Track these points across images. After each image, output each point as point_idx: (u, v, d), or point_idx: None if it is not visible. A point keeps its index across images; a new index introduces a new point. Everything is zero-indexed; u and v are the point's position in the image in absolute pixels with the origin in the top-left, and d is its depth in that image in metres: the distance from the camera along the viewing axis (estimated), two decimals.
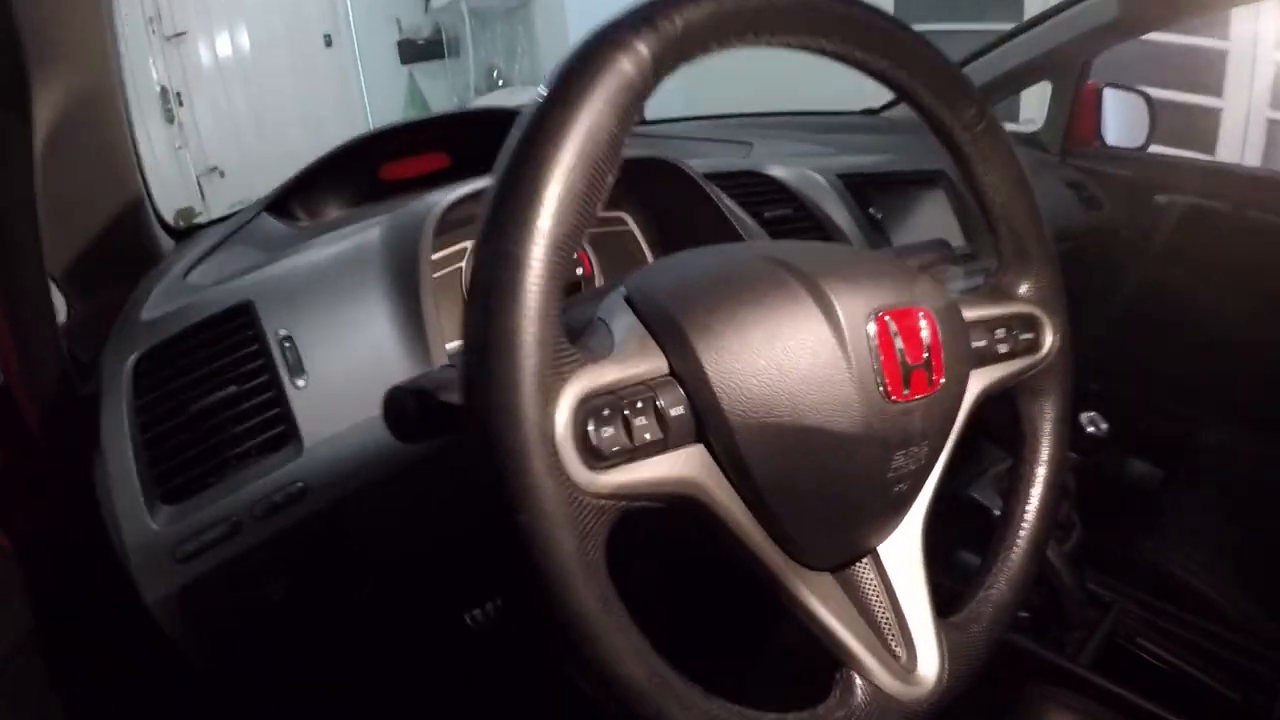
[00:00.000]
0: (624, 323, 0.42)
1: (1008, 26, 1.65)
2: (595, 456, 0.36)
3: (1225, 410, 1.53)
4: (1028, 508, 0.57)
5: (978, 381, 0.53)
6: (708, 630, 0.95)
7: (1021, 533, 0.56)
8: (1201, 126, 2.94)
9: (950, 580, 0.91)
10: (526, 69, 5.36)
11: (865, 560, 0.48)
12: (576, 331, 0.41)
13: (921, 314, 0.45)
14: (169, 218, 1.02)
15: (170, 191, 4.90)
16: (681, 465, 0.39)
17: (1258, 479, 1.30)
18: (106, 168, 0.85)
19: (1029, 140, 1.74)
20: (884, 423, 0.43)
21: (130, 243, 0.90)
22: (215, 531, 0.61)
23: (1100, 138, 1.72)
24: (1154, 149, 1.73)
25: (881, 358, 0.43)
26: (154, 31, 4.77)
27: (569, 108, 0.34)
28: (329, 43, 5.26)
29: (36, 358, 0.67)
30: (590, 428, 0.35)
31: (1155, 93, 1.74)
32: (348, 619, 0.72)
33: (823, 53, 0.45)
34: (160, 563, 0.60)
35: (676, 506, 0.40)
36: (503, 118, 0.97)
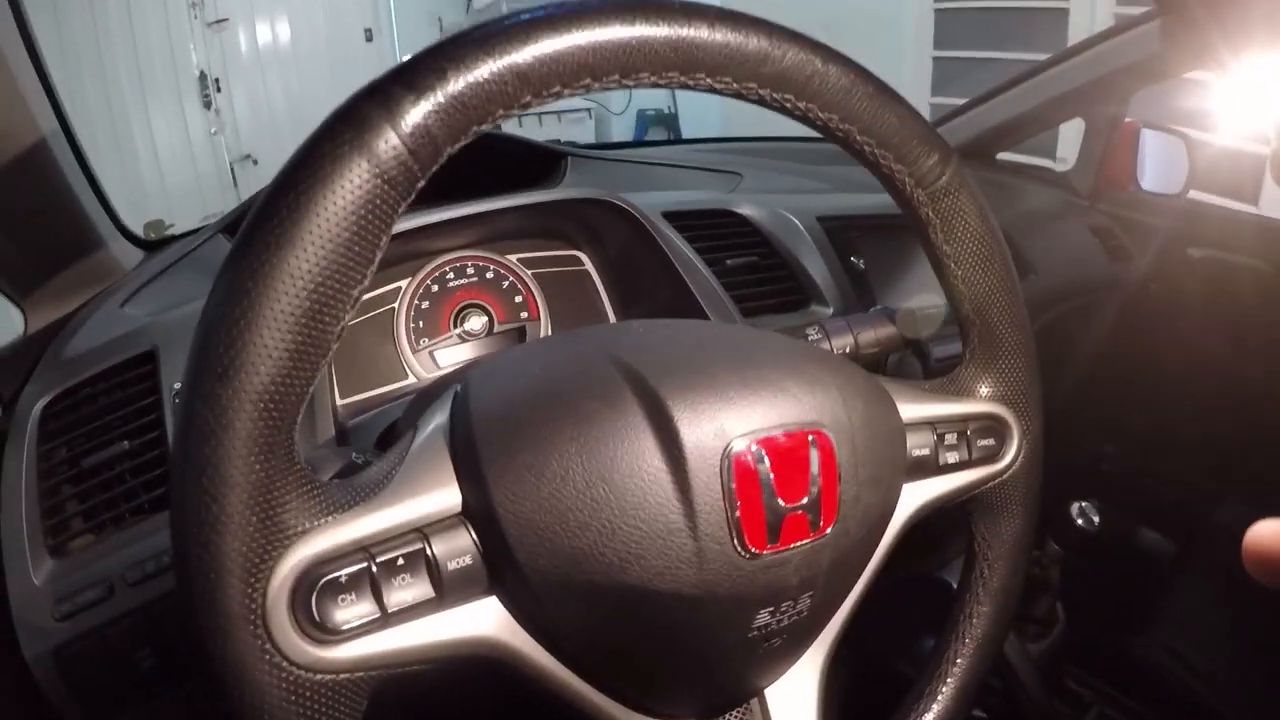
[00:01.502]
0: (425, 444, 0.35)
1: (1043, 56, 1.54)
2: (323, 630, 0.30)
3: (1252, 486, 1.41)
4: (960, 647, 0.48)
5: (915, 495, 0.45)
6: None
7: (948, 678, 0.48)
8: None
9: (913, 667, 0.83)
10: None
11: (746, 708, 0.42)
12: (402, 431, 0.38)
13: (811, 438, 0.35)
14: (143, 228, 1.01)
15: (204, 177, 4.96)
16: (468, 623, 0.33)
17: None
18: (46, 192, 0.82)
19: (1059, 181, 1.64)
20: (738, 581, 0.34)
21: (88, 258, 0.87)
22: (91, 593, 0.58)
23: (1135, 182, 1.61)
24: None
25: (739, 501, 0.33)
26: (196, 16, 4.84)
27: (284, 217, 0.27)
28: (369, 37, 5.30)
29: None
30: (316, 599, 0.30)
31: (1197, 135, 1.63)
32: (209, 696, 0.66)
33: (716, 92, 0.35)
34: (40, 619, 0.58)
35: (471, 666, 0.34)
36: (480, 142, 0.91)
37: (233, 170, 5.06)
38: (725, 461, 0.33)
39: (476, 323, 0.78)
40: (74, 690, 0.58)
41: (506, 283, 0.81)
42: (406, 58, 0.30)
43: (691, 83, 0.34)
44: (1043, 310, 1.19)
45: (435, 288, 0.78)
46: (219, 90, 4.97)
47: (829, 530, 0.35)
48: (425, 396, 0.56)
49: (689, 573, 0.33)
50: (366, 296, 0.74)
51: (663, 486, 0.33)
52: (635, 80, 0.33)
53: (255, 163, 5.11)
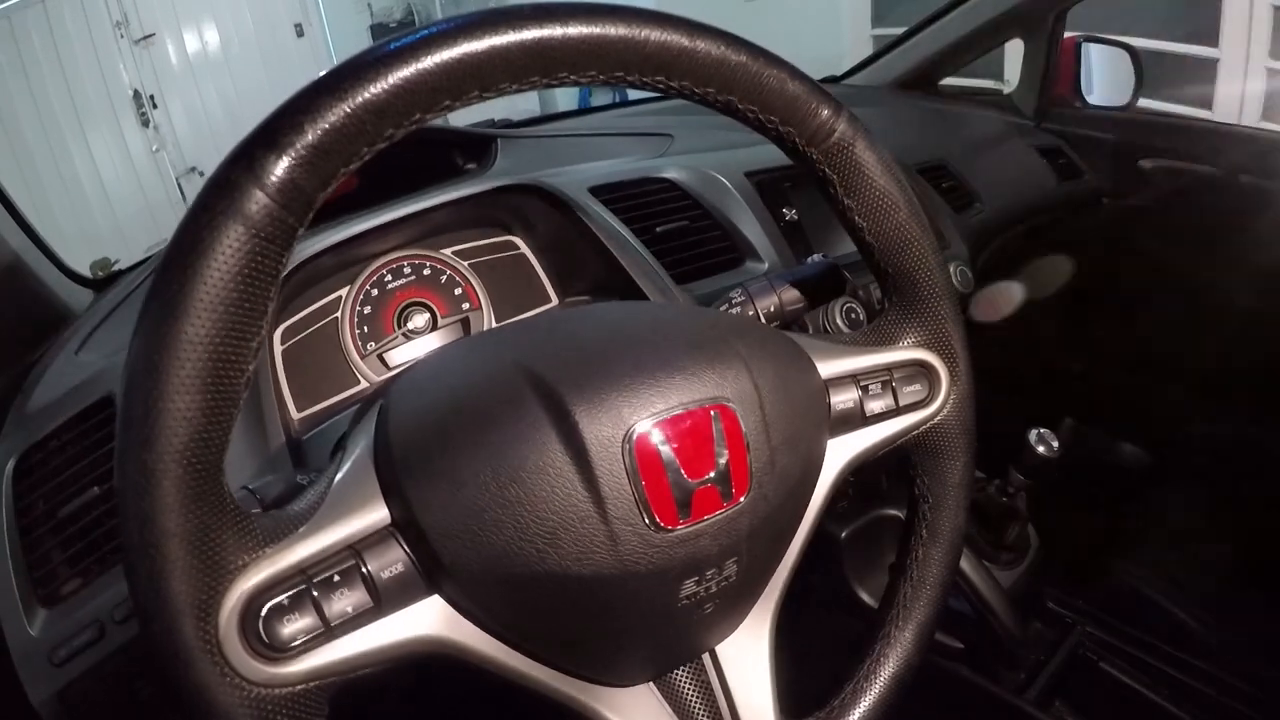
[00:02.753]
0: (354, 464, 0.37)
1: None
2: (274, 649, 0.32)
3: (1219, 392, 1.42)
4: (909, 591, 0.49)
5: (843, 449, 0.46)
6: None
7: (900, 620, 0.49)
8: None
9: (871, 595, 0.84)
10: None
11: (698, 663, 0.43)
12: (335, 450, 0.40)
13: (714, 413, 0.36)
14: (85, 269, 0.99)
15: (150, 195, 4.89)
16: (407, 625, 0.35)
17: (1250, 473, 1.20)
18: None
19: (1003, 103, 1.62)
20: (654, 556, 0.35)
21: (38, 308, 0.88)
22: (84, 636, 0.60)
23: (1081, 97, 1.59)
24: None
25: (644, 483, 0.34)
26: (122, 36, 4.74)
27: (176, 292, 0.29)
28: (300, 33, 5.21)
29: None
30: (263, 624, 0.32)
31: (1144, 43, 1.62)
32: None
33: (588, 83, 0.36)
34: (40, 666, 0.60)
35: (420, 663, 0.36)
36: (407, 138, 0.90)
37: (180, 185, 4.99)
38: (626, 446, 0.34)
39: (420, 320, 0.78)
40: None
41: (444, 277, 0.79)
42: (263, 119, 0.31)
43: (556, 82, 0.35)
44: (993, 237, 1.19)
45: (375, 291, 0.77)
46: (155, 107, 4.88)
47: (743, 499, 0.37)
48: (364, 408, 0.57)
49: (604, 555, 0.34)
50: (309, 309, 0.75)
51: (569, 478, 0.34)
52: (497, 92, 0.33)
53: (201, 175, 5.04)
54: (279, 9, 5.14)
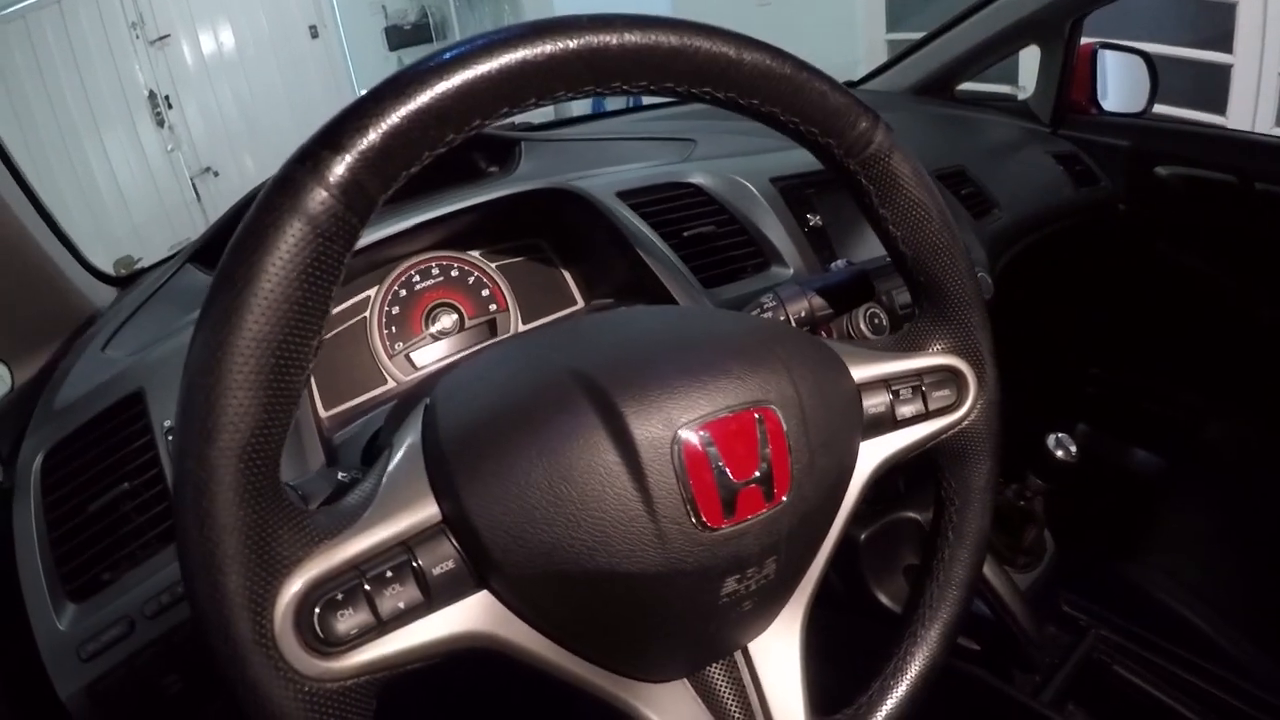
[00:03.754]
0: (401, 462, 0.37)
1: None
2: (328, 644, 0.33)
3: (1233, 397, 1.43)
4: (936, 589, 0.50)
5: (875, 452, 0.47)
6: None
7: (926, 618, 0.50)
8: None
9: (890, 598, 0.85)
10: None
11: (730, 660, 0.44)
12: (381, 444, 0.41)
13: (758, 416, 0.37)
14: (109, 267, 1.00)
15: (166, 195, 4.92)
16: (457, 621, 0.36)
17: (1264, 480, 1.20)
18: (10, 251, 0.83)
19: (1019, 109, 1.63)
20: (700, 554, 0.36)
21: (59, 306, 0.89)
22: (113, 631, 0.60)
23: (1096, 104, 1.60)
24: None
25: (691, 484, 0.35)
26: (138, 36, 4.75)
27: (238, 291, 0.30)
28: (315, 34, 5.22)
29: None
30: (317, 618, 0.33)
31: (1159, 49, 1.62)
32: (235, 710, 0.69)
33: (639, 93, 0.38)
34: (68, 662, 0.60)
35: (467, 659, 0.37)
36: None
37: (194, 185, 5.00)
38: (675, 448, 0.35)
39: (447, 321, 0.79)
40: None
41: (472, 278, 0.80)
42: (327, 122, 0.32)
43: (609, 91, 0.36)
44: (1011, 243, 1.19)
45: (403, 292, 0.78)
46: (170, 107, 4.89)
47: (784, 499, 0.37)
48: (401, 408, 0.59)
49: (653, 553, 0.35)
50: (339, 309, 0.76)
51: (620, 478, 0.35)
52: (553, 99, 0.34)
53: (216, 174, 5.06)
54: (294, 10, 5.15)
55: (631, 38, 0.35)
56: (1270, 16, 2.68)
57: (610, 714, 0.41)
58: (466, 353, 0.78)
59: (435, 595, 0.35)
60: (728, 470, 0.36)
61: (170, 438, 0.66)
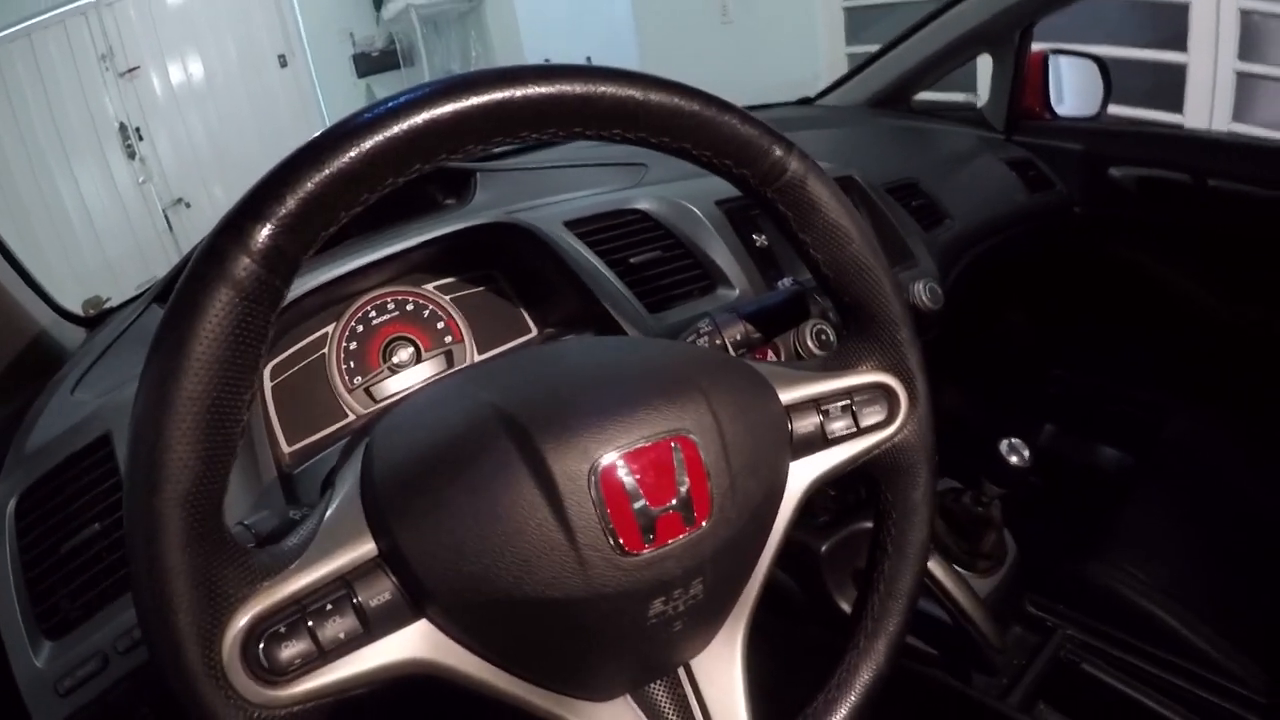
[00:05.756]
0: (342, 501, 0.39)
1: None
2: (274, 673, 0.35)
3: (1193, 392, 1.45)
4: (877, 603, 0.51)
5: (806, 471, 0.48)
6: None
7: (871, 630, 0.51)
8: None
9: (850, 605, 0.86)
10: None
11: (674, 677, 0.45)
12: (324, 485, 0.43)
13: (674, 445, 0.38)
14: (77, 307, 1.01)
15: (137, 226, 4.90)
16: (395, 649, 0.38)
17: (1224, 474, 1.23)
18: None
19: (975, 118, 1.65)
20: (622, 578, 0.38)
21: (32, 348, 0.90)
22: (88, 667, 0.62)
23: (1050, 109, 1.63)
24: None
25: (609, 511, 0.37)
26: (107, 69, 4.76)
27: (172, 360, 0.32)
28: (284, 63, 5.24)
29: None
30: (262, 650, 0.35)
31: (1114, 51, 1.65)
32: None
33: (549, 140, 0.39)
34: (46, 697, 0.62)
35: (408, 684, 0.39)
36: None
37: (166, 216, 5.00)
38: (593, 478, 0.37)
39: (404, 354, 0.80)
40: None
41: (427, 312, 0.81)
42: (248, 191, 0.34)
43: (519, 140, 0.38)
44: (963, 252, 1.21)
45: (360, 327, 0.79)
46: (141, 139, 4.90)
47: (704, 523, 0.39)
48: (353, 443, 0.60)
49: (575, 580, 0.37)
50: (297, 345, 0.77)
51: (540, 510, 0.37)
52: (464, 152, 0.36)
53: (188, 205, 5.06)
54: (263, 40, 5.17)
55: (537, 89, 0.36)
56: (1223, 15, 2.73)
57: None
58: (422, 384, 0.79)
59: (374, 625, 0.37)
60: (645, 498, 0.37)
61: (123, 506, 0.67)
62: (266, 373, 0.75)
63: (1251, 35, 2.72)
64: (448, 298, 0.82)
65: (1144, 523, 1.13)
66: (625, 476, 0.37)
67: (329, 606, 0.36)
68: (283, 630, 0.35)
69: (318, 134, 0.34)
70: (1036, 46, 1.58)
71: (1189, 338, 1.47)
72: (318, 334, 0.79)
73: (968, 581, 0.84)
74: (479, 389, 0.41)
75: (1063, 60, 1.64)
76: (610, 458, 0.37)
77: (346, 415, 0.77)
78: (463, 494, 0.37)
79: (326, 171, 0.33)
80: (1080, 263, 1.59)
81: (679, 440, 0.38)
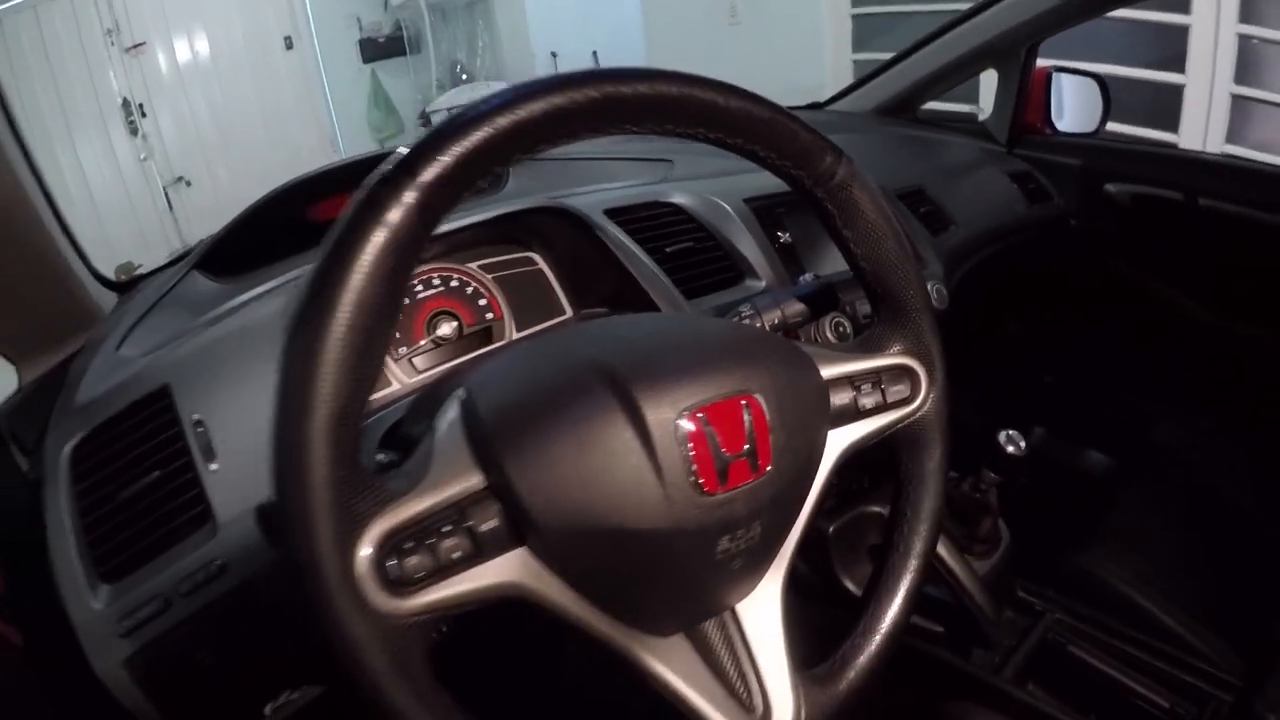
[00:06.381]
0: (448, 439, 0.44)
1: (966, 6, 1.60)
2: (399, 585, 0.39)
3: (1183, 401, 1.52)
4: (898, 561, 0.57)
5: (841, 439, 0.54)
6: (571, 693, 0.97)
7: (891, 586, 0.57)
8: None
9: (856, 584, 0.92)
10: (489, 62, 5.32)
11: (721, 619, 0.50)
12: (421, 430, 0.46)
13: (744, 402, 0.44)
14: (110, 272, 1.03)
15: (138, 204, 4.88)
16: (500, 572, 0.42)
17: (1206, 477, 1.29)
18: (33, 255, 0.86)
19: (978, 130, 1.71)
20: (700, 515, 0.43)
21: (67, 309, 0.92)
22: (149, 608, 0.65)
23: (1051, 125, 1.69)
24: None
25: (693, 455, 0.42)
26: (113, 44, 4.74)
27: (332, 288, 0.37)
28: (289, 45, 5.23)
29: None
30: (393, 562, 0.39)
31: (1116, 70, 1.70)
32: (277, 671, 0.76)
33: (646, 133, 0.45)
34: (105, 638, 0.64)
35: (506, 606, 0.43)
36: None
37: (167, 194, 4.98)
38: (679, 426, 0.42)
39: (447, 328, 0.84)
40: (146, 694, 0.65)
41: (470, 289, 0.86)
42: (406, 149, 0.39)
43: (618, 130, 0.44)
44: (966, 257, 1.27)
45: (406, 301, 0.83)
46: (144, 115, 4.87)
47: (767, 470, 0.44)
48: (421, 403, 0.66)
49: (660, 514, 0.42)
50: None
51: (634, 451, 0.42)
52: (575, 139, 0.43)
53: (188, 184, 5.04)
54: (269, 21, 5.16)
55: (642, 88, 0.43)
56: (1221, 39, 2.81)
57: (617, 665, 0.47)
58: (467, 358, 0.83)
59: (483, 548, 0.42)
60: (721, 445, 0.43)
61: (199, 430, 0.71)
62: None
63: (1248, 59, 2.79)
64: (489, 277, 0.87)
65: (1128, 519, 1.19)
66: (705, 426, 0.42)
67: (446, 528, 0.41)
68: (408, 547, 0.40)
69: (466, 106, 0.40)
70: (1040, 63, 1.64)
71: (1176, 348, 1.54)
72: None
73: (967, 560, 0.90)
74: (574, 347, 0.47)
75: (1065, 78, 1.70)
76: (693, 409, 0.42)
77: (391, 384, 0.81)
78: (566, 433, 0.42)
79: (470, 143, 0.39)
80: (1075, 273, 1.65)
81: (747, 399, 0.44)
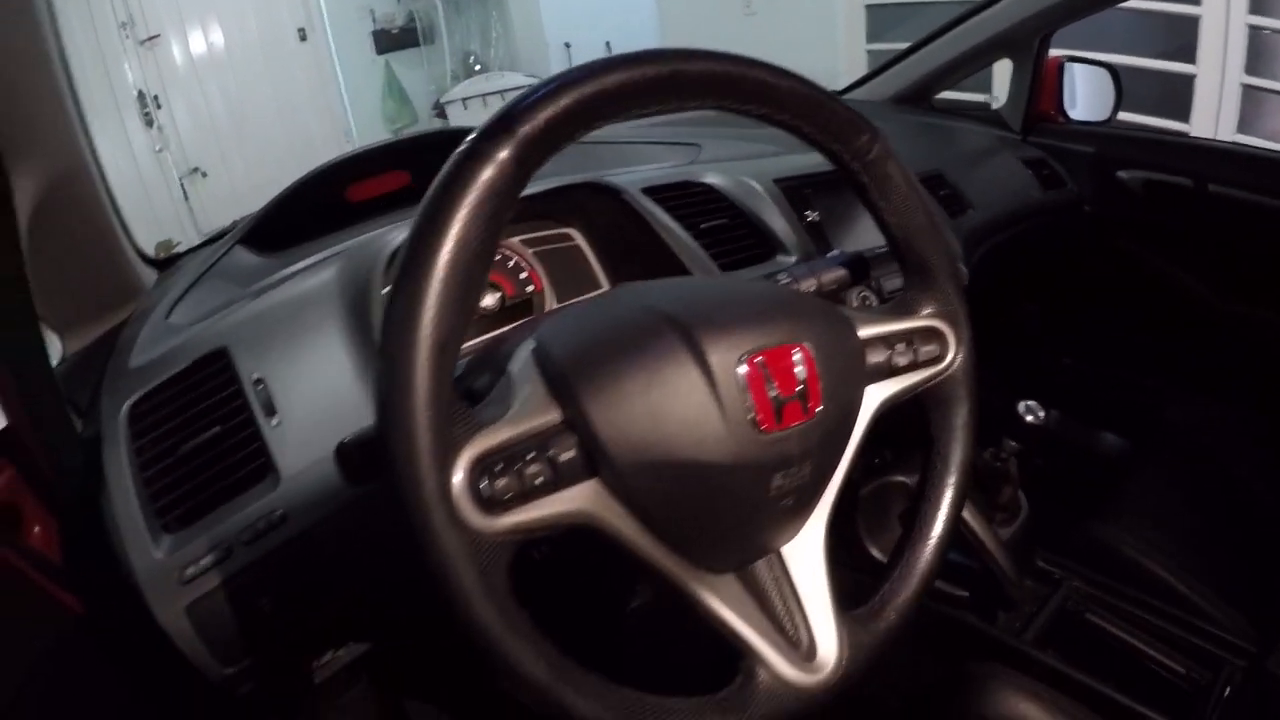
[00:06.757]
0: (525, 380, 0.48)
1: None
2: (490, 504, 0.43)
3: (1193, 383, 1.55)
4: (931, 510, 0.61)
5: (877, 394, 0.58)
6: (638, 626, 1.02)
7: (925, 533, 0.60)
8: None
9: (882, 551, 0.95)
10: (503, 53, 5.35)
11: (767, 560, 0.53)
12: (495, 377, 0.50)
13: (796, 349, 0.48)
14: (150, 250, 1.06)
15: (154, 196, 4.92)
16: (575, 500, 0.46)
17: (1217, 455, 1.32)
18: (89, 225, 0.90)
19: (992, 118, 1.74)
20: (757, 451, 0.47)
21: (113, 282, 0.95)
22: (211, 557, 0.68)
23: (1064, 113, 1.72)
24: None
25: (751, 395, 0.47)
26: (128, 36, 4.77)
27: (438, 226, 0.41)
28: (303, 37, 5.27)
29: (38, 404, 0.71)
30: (484, 483, 0.42)
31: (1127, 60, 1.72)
32: (331, 622, 0.79)
33: (707, 109, 0.50)
34: (167, 586, 0.67)
35: (576, 533, 0.46)
36: (452, 137, 1.01)
37: (182, 185, 5.02)
38: (740, 368, 0.47)
39: (491, 299, 0.89)
40: (206, 640, 0.68)
41: (512, 262, 0.90)
42: (507, 107, 0.44)
43: (679, 106, 0.49)
44: (984, 240, 1.30)
45: None
46: (159, 107, 4.91)
47: (816, 411, 0.49)
48: (477, 364, 0.70)
49: (723, 448, 0.46)
50: (389, 288, 0.84)
51: (699, 389, 0.46)
52: (644, 113, 0.47)
53: (204, 175, 5.08)
54: (283, 13, 5.20)
55: (705, 66, 0.48)
56: (1231, 30, 2.83)
57: (671, 599, 0.50)
58: (510, 327, 0.87)
59: (561, 476, 0.45)
60: (776, 387, 0.47)
61: (259, 388, 0.74)
62: None
63: (1258, 50, 2.81)
64: (530, 251, 0.91)
65: (1143, 495, 1.22)
66: (762, 369, 0.47)
67: (530, 455, 0.44)
68: (498, 469, 0.43)
69: (560, 73, 0.44)
70: (1053, 53, 1.67)
71: (1187, 331, 1.57)
72: None
73: (990, 525, 0.94)
74: (638, 300, 0.51)
75: (1077, 67, 1.72)
76: (754, 351, 0.47)
77: None
78: (637, 373, 0.46)
79: (561, 106, 0.43)
80: (1089, 258, 1.68)
81: (799, 347, 0.48)
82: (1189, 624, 0.98)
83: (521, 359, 0.49)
